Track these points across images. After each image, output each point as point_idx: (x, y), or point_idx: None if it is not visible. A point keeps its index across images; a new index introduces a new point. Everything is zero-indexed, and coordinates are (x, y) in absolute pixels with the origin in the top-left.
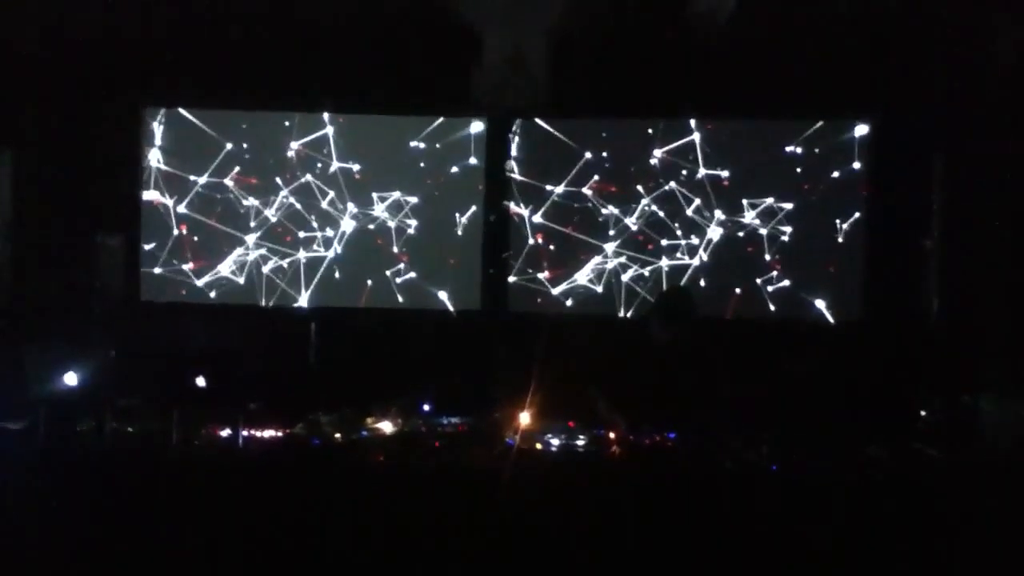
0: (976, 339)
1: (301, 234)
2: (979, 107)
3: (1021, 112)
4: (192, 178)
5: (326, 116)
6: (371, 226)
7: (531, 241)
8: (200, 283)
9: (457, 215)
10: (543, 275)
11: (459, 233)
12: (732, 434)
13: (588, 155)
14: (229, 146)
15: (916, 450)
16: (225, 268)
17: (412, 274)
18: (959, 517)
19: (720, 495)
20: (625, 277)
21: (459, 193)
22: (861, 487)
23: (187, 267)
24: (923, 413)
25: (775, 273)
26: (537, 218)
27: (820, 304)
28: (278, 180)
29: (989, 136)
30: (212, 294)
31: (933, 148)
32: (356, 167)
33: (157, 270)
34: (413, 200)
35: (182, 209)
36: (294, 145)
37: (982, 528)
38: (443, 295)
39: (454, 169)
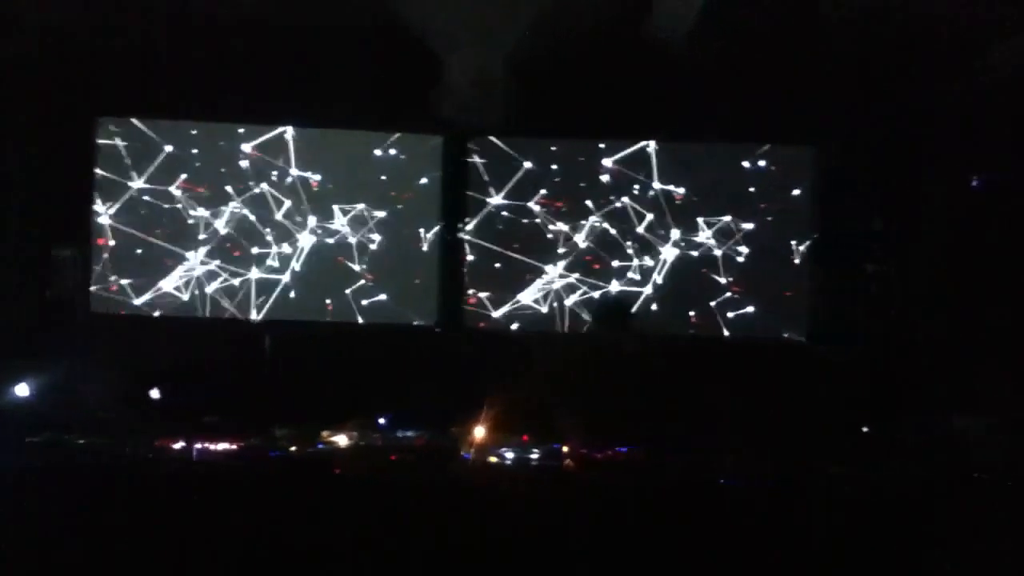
0: (930, 358)
1: (254, 250)
2: (931, 131)
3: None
4: (132, 185)
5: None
6: (330, 240)
7: (470, 258)
8: (139, 301)
9: (422, 231)
10: (485, 295)
11: (424, 249)
12: (684, 448)
13: (528, 164)
14: (169, 148)
15: (870, 466)
16: (168, 285)
17: (382, 296)
18: (913, 533)
19: (672, 507)
20: (571, 300)
21: (426, 207)
22: (813, 502)
23: (125, 282)
24: (864, 429)
25: (730, 294)
26: (482, 236)
27: (776, 326)
28: (229, 189)
29: (941, 158)
30: (155, 314)
31: (882, 171)
32: (316, 177)
33: (93, 287)
34: (378, 214)
35: (117, 219)
36: (247, 148)
37: (940, 542)
38: (405, 311)
39: (423, 180)
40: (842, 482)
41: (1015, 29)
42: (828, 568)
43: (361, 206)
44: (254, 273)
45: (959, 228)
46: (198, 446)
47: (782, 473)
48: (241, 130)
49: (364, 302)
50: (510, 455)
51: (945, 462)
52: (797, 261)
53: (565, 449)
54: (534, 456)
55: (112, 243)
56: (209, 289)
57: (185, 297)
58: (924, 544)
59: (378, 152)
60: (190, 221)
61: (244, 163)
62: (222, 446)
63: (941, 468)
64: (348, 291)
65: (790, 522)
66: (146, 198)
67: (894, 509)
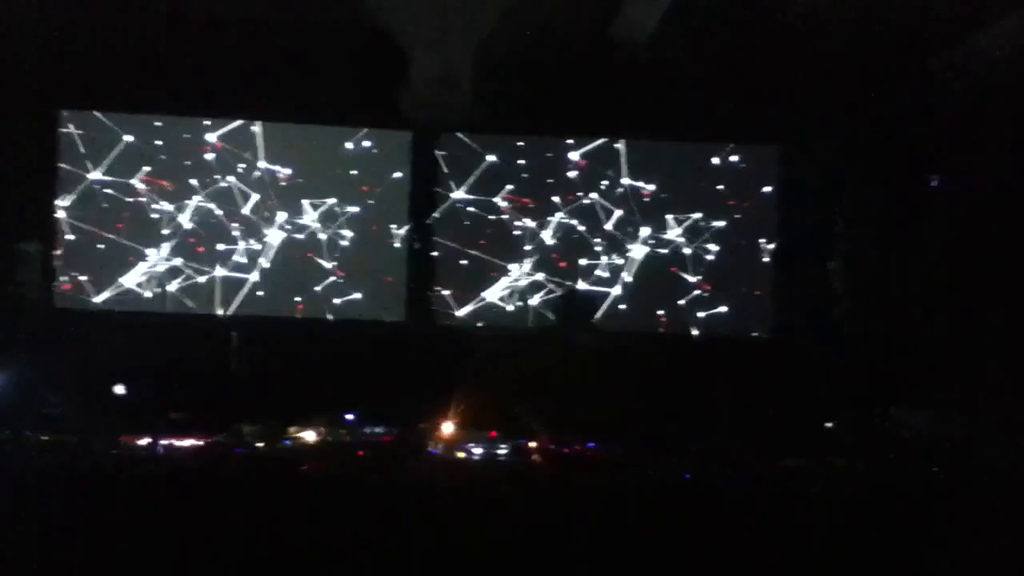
0: (889, 354)
1: (221, 246)
2: (896, 130)
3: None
4: (90, 176)
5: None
6: (299, 236)
7: (435, 255)
8: (98, 299)
9: (392, 227)
10: (450, 292)
11: (395, 245)
12: (652, 444)
13: (497, 161)
14: (129, 139)
15: (829, 461)
16: (130, 282)
17: (351, 293)
18: (870, 525)
19: (638, 503)
20: (536, 299)
21: (395, 204)
22: (777, 497)
23: (84, 279)
24: (830, 424)
25: (698, 292)
26: (448, 233)
27: (745, 324)
28: (193, 182)
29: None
30: (120, 310)
31: (848, 169)
32: (284, 170)
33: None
34: (348, 210)
35: (75, 213)
36: (212, 139)
37: (893, 535)
38: (374, 308)
39: (393, 176)
40: (809, 477)
41: (978, 26)
42: (796, 564)
43: (331, 201)
44: (220, 270)
45: (925, 225)
46: (164, 443)
47: (750, 469)
48: (207, 121)
49: (335, 300)
50: (478, 451)
51: (913, 458)
52: (765, 259)
53: (533, 445)
54: (502, 451)
55: (70, 238)
56: (173, 287)
57: (148, 295)
58: (890, 539)
59: (348, 146)
60: (153, 216)
61: (210, 155)
62: (188, 443)
63: (908, 464)
64: (318, 288)
65: (760, 517)
66: (107, 191)
67: (861, 504)
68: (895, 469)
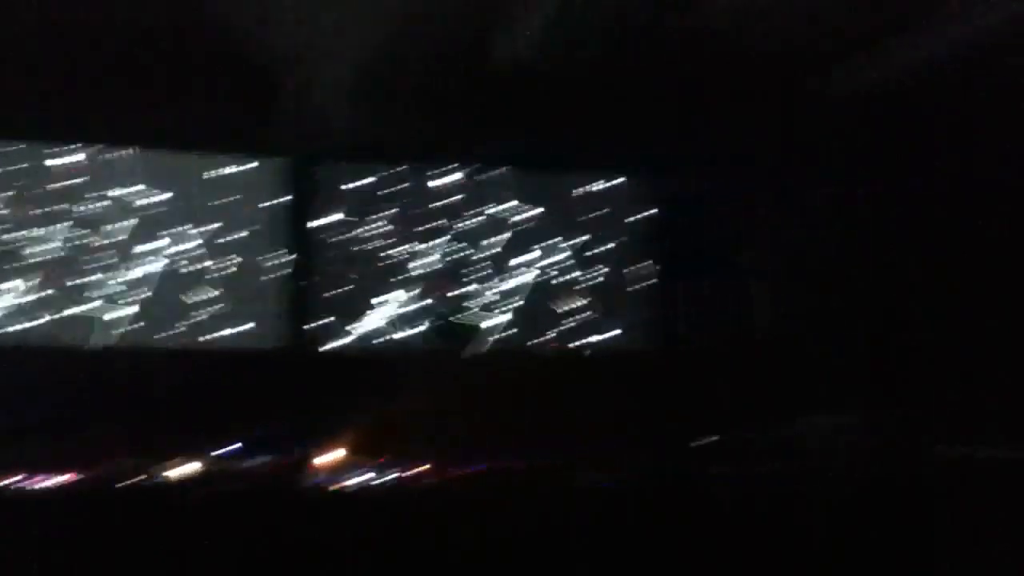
0: (774, 366)
1: (90, 278)
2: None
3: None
4: None
5: None
6: (175, 265)
7: (316, 282)
8: None
9: (270, 254)
10: (332, 319)
11: (274, 273)
12: (540, 463)
13: (376, 186)
14: None
15: (724, 467)
16: None
17: (240, 324)
18: (760, 527)
19: (530, 520)
20: (418, 326)
21: (273, 230)
22: (671, 502)
23: None
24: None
25: (583, 314)
26: (328, 260)
27: (631, 341)
28: (60, 208)
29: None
30: None
31: (724, 190)
32: (158, 196)
33: None
34: (225, 238)
35: None
36: (79, 161)
37: (781, 536)
38: (254, 336)
39: (270, 202)
40: (700, 482)
41: (849, 50)
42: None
43: (208, 228)
44: (90, 303)
45: (806, 237)
46: (34, 479)
47: (642, 477)
48: (74, 144)
49: (218, 331)
50: (366, 477)
51: (800, 461)
52: (653, 280)
53: (422, 469)
54: (390, 477)
55: None
56: (39, 321)
57: (9, 330)
58: (774, 539)
59: (225, 172)
60: (16, 245)
61: (78, 180)
62: (61, 479)
63: (797, 467)
64: (200, 317)
65: (660, 528)
66: None
67: (750, 507)
68: (784, 476)
